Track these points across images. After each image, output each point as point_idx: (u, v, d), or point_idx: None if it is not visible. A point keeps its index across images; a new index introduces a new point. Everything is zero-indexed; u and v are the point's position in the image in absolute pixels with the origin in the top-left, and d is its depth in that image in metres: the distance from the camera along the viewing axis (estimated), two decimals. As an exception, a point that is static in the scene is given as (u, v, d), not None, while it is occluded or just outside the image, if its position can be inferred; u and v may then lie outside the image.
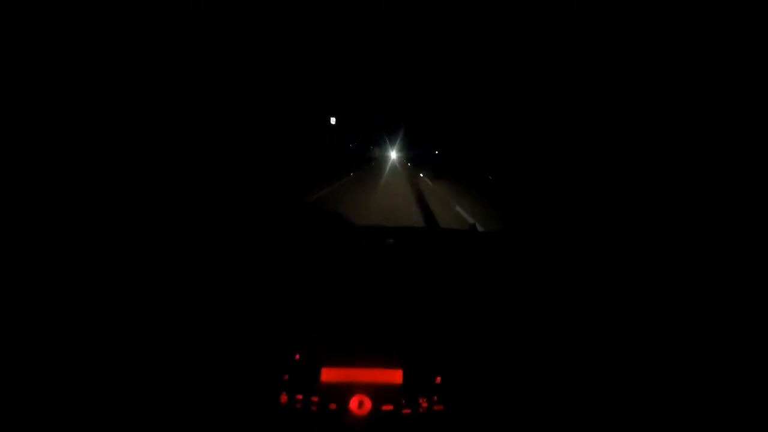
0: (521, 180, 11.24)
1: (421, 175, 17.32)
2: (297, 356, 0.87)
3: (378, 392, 0.84)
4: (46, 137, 3.63)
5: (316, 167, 13.24)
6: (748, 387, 0.86)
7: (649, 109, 6.24)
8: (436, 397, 0.85)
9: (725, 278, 1.39)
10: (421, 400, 0.84)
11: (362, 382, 0.84)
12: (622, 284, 1.17)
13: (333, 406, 0.83)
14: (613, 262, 1.35)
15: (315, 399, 0.83)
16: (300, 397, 0.84)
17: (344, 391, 0.84)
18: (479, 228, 1.66)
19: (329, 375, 0.85)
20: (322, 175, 12.15)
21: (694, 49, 4.79)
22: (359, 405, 0.83)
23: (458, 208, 7.09)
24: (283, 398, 0.84)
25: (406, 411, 0.83)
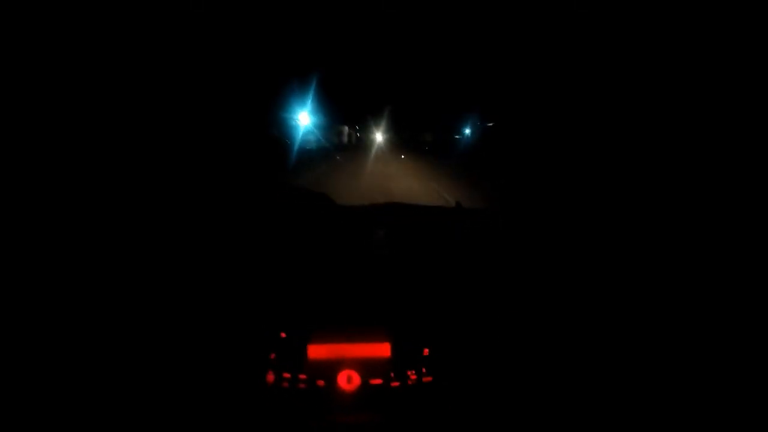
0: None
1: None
2: (283, 334, 0.85)
3: (366, 366, 0.83)
4: (34, 137, 3.56)
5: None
6: (743, 379, 0.86)
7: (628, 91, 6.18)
8: (424, 369, 0.84)
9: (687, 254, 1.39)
10: (409, 373, 0.83)
11: (350, 357, 0.83)
12: (602, 257, 1.18)
13: (321, 382, 0.82)
14: (597, 235, 1.35)
15: (302, 377, 0.82)
16: (287, 375, 0.82)
17: (332, 367, 0.82)
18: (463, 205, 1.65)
19: (316, 351, 0.83)
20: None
21: (694, 48, 4.71)
22: (348, 380, 0.82)
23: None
24: (270, 377, 0.82)
25: (395, 384, 0.83)
